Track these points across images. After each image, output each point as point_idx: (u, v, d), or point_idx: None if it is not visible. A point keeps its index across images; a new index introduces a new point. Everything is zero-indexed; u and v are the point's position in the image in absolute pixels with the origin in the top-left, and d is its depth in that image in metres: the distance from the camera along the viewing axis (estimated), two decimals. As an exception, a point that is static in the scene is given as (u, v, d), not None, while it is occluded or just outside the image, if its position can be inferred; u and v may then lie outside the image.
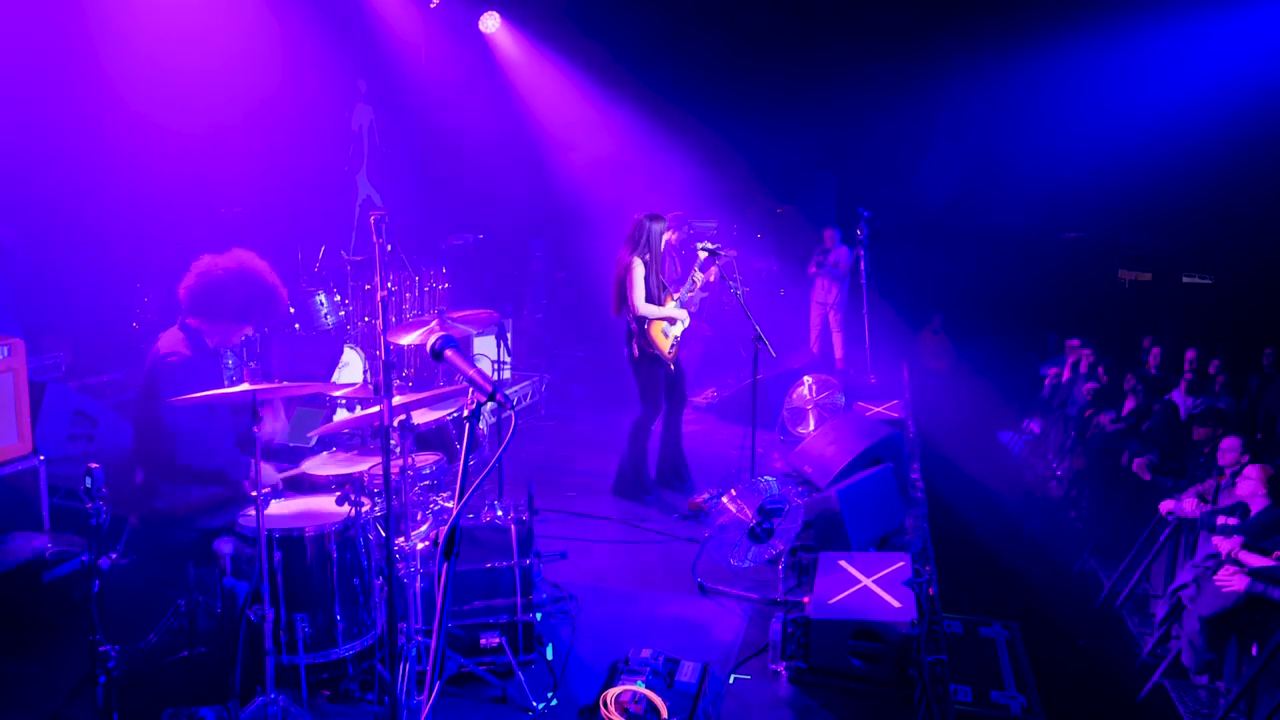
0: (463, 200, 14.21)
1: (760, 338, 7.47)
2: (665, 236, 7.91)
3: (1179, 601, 8.07)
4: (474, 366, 3.47)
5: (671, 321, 7.96)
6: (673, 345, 8.01)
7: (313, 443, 5.94)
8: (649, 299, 7.85)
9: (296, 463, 5.58)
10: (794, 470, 8.16)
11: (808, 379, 10.17)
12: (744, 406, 8.55)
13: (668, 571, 6.79)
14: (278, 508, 4.98)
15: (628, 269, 7.80)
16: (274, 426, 5.58)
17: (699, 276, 8.03)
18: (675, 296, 8.00)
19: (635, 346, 7.92)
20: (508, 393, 9.93)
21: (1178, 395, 11.52)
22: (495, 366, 9.67)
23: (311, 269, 9.81)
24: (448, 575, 3.27)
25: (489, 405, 3.37)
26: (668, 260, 9.40)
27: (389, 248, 4.66)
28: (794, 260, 14.49)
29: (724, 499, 6.57)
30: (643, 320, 7.85)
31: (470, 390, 3.40)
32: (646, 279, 7.83)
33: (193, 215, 9.46)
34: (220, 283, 5.06)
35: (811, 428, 9.69)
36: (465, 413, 3.40)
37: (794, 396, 10.11)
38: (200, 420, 5.06)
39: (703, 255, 7.97)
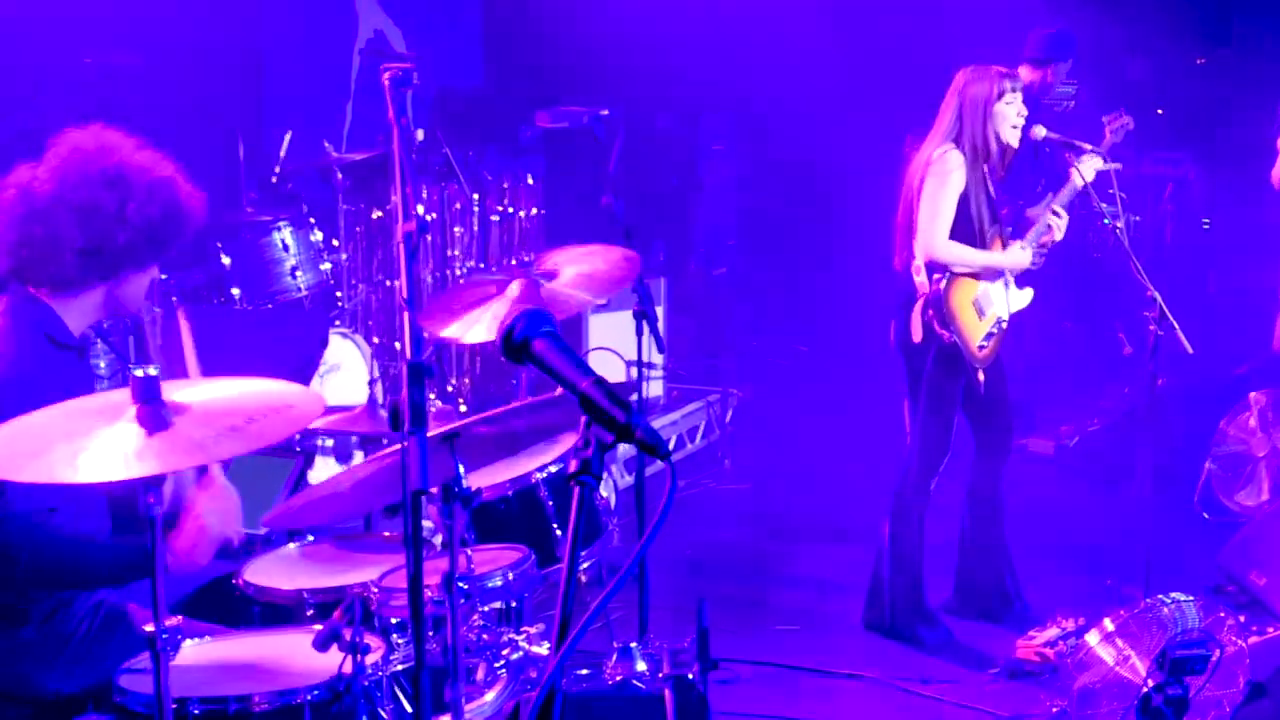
0: (570, 45, 8.97)
1: (1163, 314, 4.92)
2: (1011, 108, 5.08)
3: None
4: (590, 372, 2.27)
5: (996, 281, 5.16)
6: (992, 333, 5.19)
7: (265, 529, 4.15)
8: (964, 234, 5.06)
9: (236, 565, 3.83)
10: (1228, 580, 6.11)
11: (1258, 398, 7.66)
12: (1124, 454, 7.14)
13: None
14: (197, 655, 3.24)
15: (929, 177, 5.00)
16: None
17: (1066, 195, 5.29)
18: (1022, 242, 5.22)
19: (915, 323, 5.11)
20: (658, 425, 7.12)
21: None
22: (634, 373, 6.12)
23: (266, 179, 6.94)
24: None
25: (620, 450, 2.17)
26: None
27: (420, 134, 3.63)
28: (1236, 163, 9.87)
29: (1089, 637, 4.90)
30: (940, 275, 5.05)
31: (583, 422, 2.16)
32: (965, 197, 5.04)
33: (42, 69, 6.47)
34: (71, 199, 3.15)
35: (1266, 495, 7.36)
36: (574, 468, 2.16)
37: (1231, 433, 7.67)
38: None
39: (1092, 163, 5.22)
